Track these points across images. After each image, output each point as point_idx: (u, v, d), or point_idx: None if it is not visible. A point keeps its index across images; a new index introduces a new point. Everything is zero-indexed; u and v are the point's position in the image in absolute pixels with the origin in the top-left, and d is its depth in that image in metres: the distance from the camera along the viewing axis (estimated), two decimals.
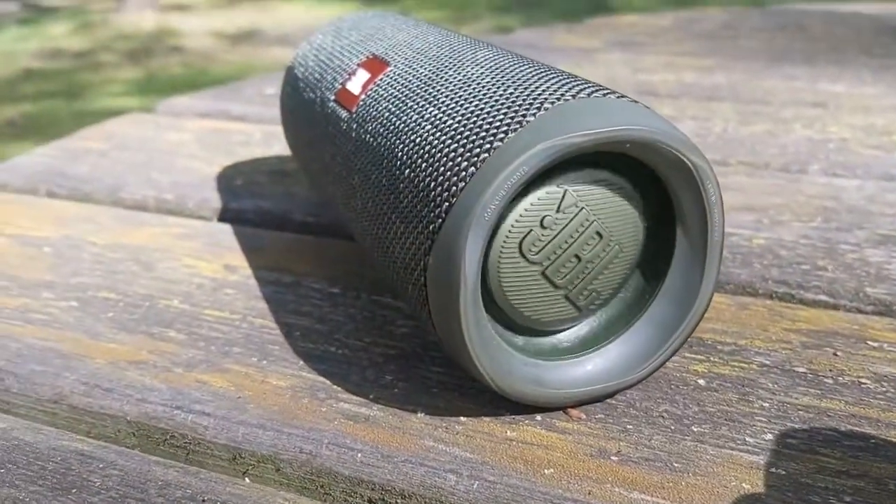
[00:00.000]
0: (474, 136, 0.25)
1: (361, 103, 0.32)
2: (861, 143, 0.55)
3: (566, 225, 0.26)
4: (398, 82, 0.31)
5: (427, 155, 0.26)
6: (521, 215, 0.25)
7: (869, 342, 0.32)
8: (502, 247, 0.25)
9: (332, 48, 0.39)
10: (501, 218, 0.25)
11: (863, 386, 0.29)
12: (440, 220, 0.25)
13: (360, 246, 0.41)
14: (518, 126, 0.24)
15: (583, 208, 0.26)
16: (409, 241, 0.26)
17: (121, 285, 0.37)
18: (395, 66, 0.32)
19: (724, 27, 0.98)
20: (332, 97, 0.35)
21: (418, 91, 0.29)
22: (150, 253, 0.40)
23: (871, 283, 0.36)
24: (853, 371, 0.30)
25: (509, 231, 0.25)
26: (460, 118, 0.26)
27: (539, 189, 0.25)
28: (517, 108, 0.25)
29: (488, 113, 0.26)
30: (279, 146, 0.57)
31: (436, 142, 0.26)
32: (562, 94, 0.25)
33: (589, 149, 0.24)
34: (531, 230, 0.25)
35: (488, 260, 0.26)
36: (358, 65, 0.35)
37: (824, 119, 0.61)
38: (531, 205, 0.25)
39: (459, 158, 0.25)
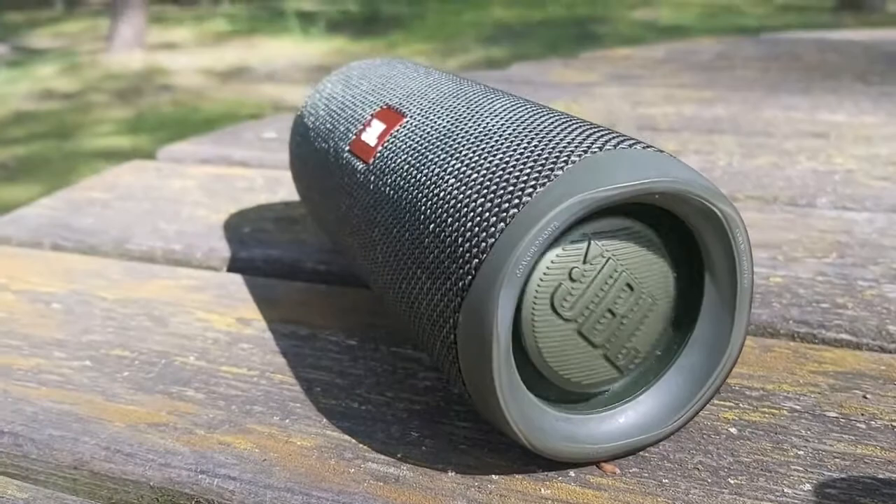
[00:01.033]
0: (501, 191, 0.25)
1: (378, 155, 0.32)
2: (867, 174, 0.55)
3: (595, 276, 0.25)
4: (416, 134, 0.31)
5: (452, 209, 0.26)
6: (547, 268, 0.25)
7: None
8: (534, 304, 0.25)
9: (343, 97, 0.39)
10: (528, 275, 0.25)
11: None
12: (470, 277, 0.24)
13: (375, 295, 0.40)
14: (546, 180, 0.24)
15: (609, 258, 0.25)
16: (436, 297, 0.26)
17: (134, 342, 0.37)
18: (411, 116, 0.32)
19: (719, 57, 0.98)
20: (347, 148, 0.35)
21: (437, 143, 0.29)
22: (161, 307, 0.40)
23: (893, 320, 0.36)
24: (885, 414, 0.29)
25: (538, 287, 0.25)
26: (485, 171, 0.26)
27: (562, 240, 0.25)
28: (543, 161, 0.25)
29: (514, 167, 0.25)
30: (283, 192, 0.56)
31: (461, 196, 0.26)
32: (588, 147, 0.25)
33: (619, 202, 0.24)
34: (560, 284, 0.25)
35: (521, 319, 0.25)
36: (372, 115, 0.35)
37: (827, 150, 0.61)
38: (557, 256, 0.25)
39: (487, 213, 0.25)
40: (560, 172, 0.24)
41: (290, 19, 5.70)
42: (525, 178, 0.25)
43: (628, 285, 0.26)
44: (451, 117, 0.30)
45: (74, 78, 4.24)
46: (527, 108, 0.29)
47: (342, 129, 0.36)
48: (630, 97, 0.80)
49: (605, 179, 0.24)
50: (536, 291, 0.25)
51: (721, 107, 0.75)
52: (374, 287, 0.33)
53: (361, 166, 0.33)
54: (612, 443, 0.27)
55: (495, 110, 0.30)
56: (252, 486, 0.27)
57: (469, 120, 0.30)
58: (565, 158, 0.25)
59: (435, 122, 0.31)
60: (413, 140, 0.31)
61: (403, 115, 0.33)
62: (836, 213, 0.49)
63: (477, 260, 0.24)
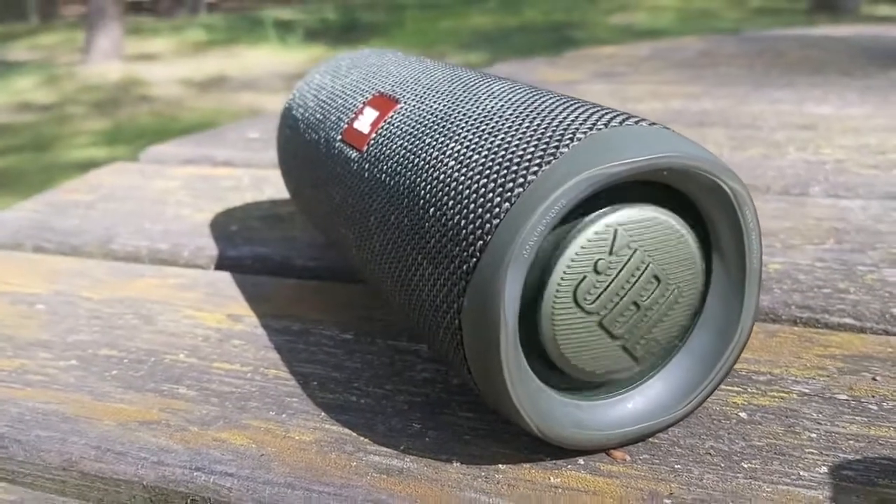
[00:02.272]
0: (505, 171, 0.24)
1: (372, 142, 0.31)
2: (857, 163, 0.55)
3: (621, 269, 0.24)
4: (412, 119, 0.30)
5: (453, 192, 0.25)
6: (572, 260, 0.24)
7: None
8: (555, 297, 0.24)
9: (332, 88, 0.38)
10: (549, 267, 0.24)
11: None
12: (474, 260, 0.23)
13: (368, 289, 0.39)
14: (552, 158, 0.23)
15: (636, 249, 0.24)
16: (439, 282, 0.25)
17: (122, 341, 0.35)
18: (405, 102, 0.31)
19: (703, 55, 0.98)
20: (339, 137, 0.34)
21: (435, 127, 0.28)
22: (148, 306, 0.39)
23: None
24: None
25: (561, 279, 0.24)
26: (486, 153, 0.25)
27: (587, 230, 0.24)
28: (548, 139, 0.24)
29: (517, 146, 0.24)
30: (270, 190, 0.55)
31: (462, 178, 0.25)
32: (593, 124, 0.24)
33: (627, 178, 0.23)
34: (585, 276, 0.24)
35: (541, 312, 0.24)
36: (364, 103, 0.34)
37: (816, 141, 0.61)
38: (581, 248, 0.24)
39: (491, 194, 0.24)
40: (565, 150, 0.24)
41: (268, 28, 5.69)
42: (529, 156, 0.24)
43: (655, 277, 0.25)
44: (448, 101, 0.30)
45: (51, 90, 4.20)
46: (526, 90, 0.28)
47: (333, 119, 0.35)
48: (617, 94, 0.80)
49: (612, 156, 0.23)
50: (559, 285, 0.24)
51: (708, 101, 0.75)
52: (370, 279, 0.32)
53: (355, 155, 0.32)
54: (621, 429, 0.26)
55: (494, 93, 0.29)
56: (250, 483, 0.26)
57: (467, 103, 0.29)
58: (570, 136, 0.24)
59: (431, 107, 0.30)
60: (408, 125, 0.30)
61: (397, 102, 0.32)
62: (830, 200, 0.49)
63: (481, 242, 0.23)
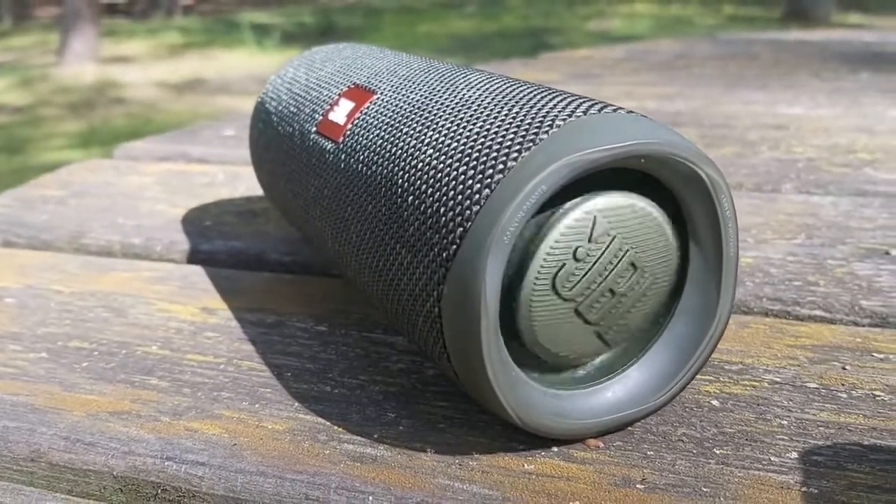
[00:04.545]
0: (484, 158, 0.24)
1: (349, 133, 0.31)
2: (828, 161, 0.56)
3: (599, 256, 0.24)
4: (388, 109, 0.30)
5: (432, 180, 0.25)
6: (552, 248, 0.24)
7: (874, 354, 0.31)
8: (534, 284, 0.24)
9: (306, 81, 0.37)
10: (528, 254, 0.24)
11: (878, 398, 0.28)
12: (454, 247, 0.23)
13: (344, 283, 0.39)
14: (531, 144, 0.23)
15: (615, 236, 0.24)
16: (418, 271, 0.25)
17: (93, 333, 0.35)
18: (381, 93, 0.31)
19: (677, 57, 0.99)
20: (314, 129, 0.33)
21: (412, 116, 0.28)
22: (120, 299, 0.38)
23: (865, 295, 0.36)
24: (864, 384, 0.29)
25: (541, 267, 0.24)
26: (465, 140, 0.25)
27: (566, 217, 0.24)
28: (527, 126, 0.24)
29: (496, 133, 0.24)
30: (244, 186, 0.55)
31: (441, 166, 0.25)
32: (572, 112, 0.24)
33: (607, 165, 0.23)
34: (564, 264, 0.24)
35: (518, 300, 0.24)
36: (339, 95, 0.34)
37: (788, 140, 0.62)
38: (561, 235, 0.24)
39: (470, 181, 0.24)
40: (545, 136, 0.23)
41: (244, 31, 5.66)
42: (509, 143, 0.24)
43: (632, 264, 0.25)
44: (425, 91, 0.29)
45: (25, 92, 4.15)
46: (503, 80, 0.28)
47: (307, 111, 0.35)
48: (592, 94, 0.80)
49: (591, 142, 0.23)
50: (539, 272, 0.24)
51: (682, 102, 0.76)
52: (346, 271, 0.32)
53: (330, 146, 0.32)
54: (600, 417, 0.26)
55: (471, 83, 0.29)
56: (222, 472, 0.26)
57: (444, 93, 0.29)
58: (549, 123, 0.24)
59: (408, 97, 0.30)
60: (385, 115, 0.30)
61: (373, 93, 0.32)
62: (801, 197, 0.49)
63: (461, 229, 0.23)
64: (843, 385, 0.29)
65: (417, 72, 0.32)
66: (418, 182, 0.26)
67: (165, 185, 0.56)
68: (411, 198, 0.26)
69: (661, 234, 0.25)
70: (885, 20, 5.12)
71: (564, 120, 0.24)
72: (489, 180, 0.23)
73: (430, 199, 0.25)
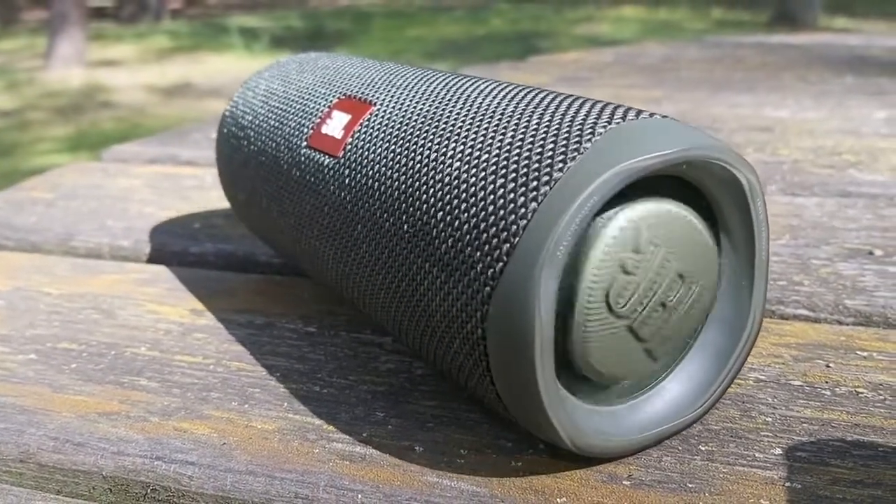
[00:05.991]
0: (525, 169, 0.23)
1: (350, 147, 0.29)
2: (813, 163, 0.56)
3: (648, 267, 0.23)
4: (393, 120, 0.28)
5: (465, 194, 0.24)
6: (600, 261, 0.22)
7: (858, 352, 0.32)
8: (588, 302, 0.23)
9: (284, 93, 0.35)
10: (576, 270, 0.23)
11: (861, 396, 0.29)
12: (500, 264, 0.22)
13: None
14: (576, 153, 0.22)
15: (659, 245, 0.23)
16: (455, 291, 0.24)
17: (82, 335, 0.35)
18: (380, 104, 0.30)
19: (665, 60, 1.00)
20: (304, 143, 0.32)
21: (425, 127, 0.27)
22: (110, 301, 0.38)
23: (849, 295, 0.36)
24: (848, 381, 0.30)
25: (592, 283, 0.22)
26: (498, 151, 0.24)
27: (607, 228, 0.23)
28: (566, 134, 0.23)
29: (532, 143, 0.23)
30: None
31: (473, 179, 0.24)
32: (609, 118, 0.23)
33: (657, 172, 0.23)
34: (615, 279, 0.23)
35: (571, 320, 0.23)
36: (330, 107, 0.32)
37: (774, 143, 0.62)
38: (606, 246, 0.22)
39: (512, 195, 0.23)
40: (588, 145, 0.22)
41: (233, 35, 5.66)
42: (550, 153, 0.23)
43: (679, 275, 0.24)
44: (432, 101, 0.28)
45: (12, 95, 4.13)
46: (515, 88, 0.27)
47: (292, 125, 0.33)
48: None
49: (638, 149, 0.22)
50: (591, 287, 0.23)
51: (669, 105, 0.76)
52: (351, 291, 0.30)
53: (328, 161, 0.30)
54: (645, 433, 0.25)
55: (482, 90, 0.27)
56: (211, 471, 0.26)
57: (456, 102, 0.27)
58: (590, 130, 0.23)
59: (414, 107, 0.28)
60: (391, 127, 0.28)
61: (370, 104, 0.30)
62: (786, 198, 0.50)
63: (508, 245, 0.22)
64: (826, 382, 0.30)
65: (414, 81, 0.30)
66: (448, 196, 0.24)
67: (154, 188, 0.56)
68: (440, 213, 0.24)
69: (700, 240, 0.25)
70: (871, 24, 5.16)
71: (605, 127, 0.23)
72: (535, 192, 0.22)
73: (465, 214, 0.24)
